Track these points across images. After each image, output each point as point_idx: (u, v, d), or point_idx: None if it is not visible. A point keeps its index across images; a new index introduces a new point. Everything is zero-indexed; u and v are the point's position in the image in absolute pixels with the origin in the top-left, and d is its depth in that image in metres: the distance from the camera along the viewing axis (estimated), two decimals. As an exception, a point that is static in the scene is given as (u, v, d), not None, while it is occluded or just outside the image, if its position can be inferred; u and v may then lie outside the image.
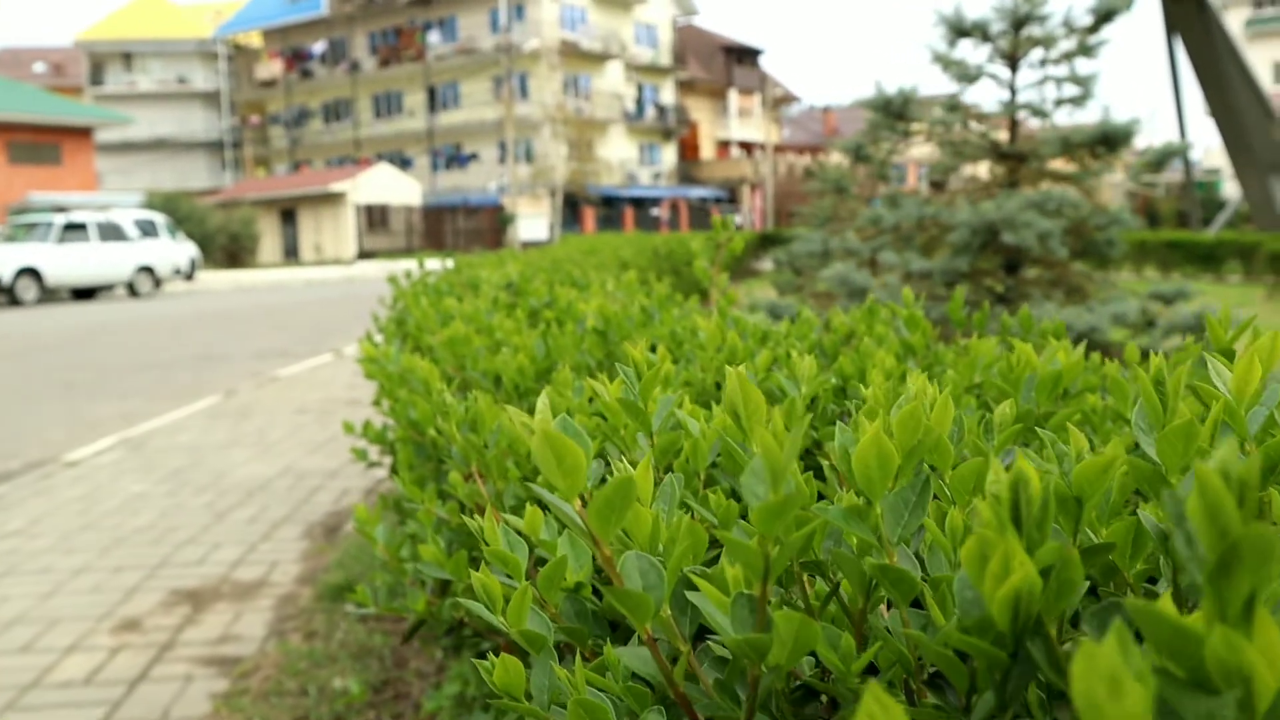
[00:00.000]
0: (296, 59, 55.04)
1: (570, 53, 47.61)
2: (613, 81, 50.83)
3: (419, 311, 1.86)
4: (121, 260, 23.60)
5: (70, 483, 5.64)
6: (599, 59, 49.51)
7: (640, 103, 52.84)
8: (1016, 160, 6.96)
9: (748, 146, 60.57)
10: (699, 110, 58.36)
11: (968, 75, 6.75)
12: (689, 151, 58.03)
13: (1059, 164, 7.15)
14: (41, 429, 7.43)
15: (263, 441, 6.52)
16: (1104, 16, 6.43)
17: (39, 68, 65.00)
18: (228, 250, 38.96)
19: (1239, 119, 25.11)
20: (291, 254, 44.69)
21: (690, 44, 57.40)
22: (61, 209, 25.01)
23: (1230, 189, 48.57)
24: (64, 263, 22.54)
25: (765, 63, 61.45)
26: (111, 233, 23.62)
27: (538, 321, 2.05)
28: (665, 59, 53.51)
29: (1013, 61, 6.79)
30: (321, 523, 4.75)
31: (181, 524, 4.74)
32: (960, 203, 6.72)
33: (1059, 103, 6.83)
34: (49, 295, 22.85)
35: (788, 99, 68.30)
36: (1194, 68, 26.72)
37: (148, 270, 24.20)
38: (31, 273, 21.99)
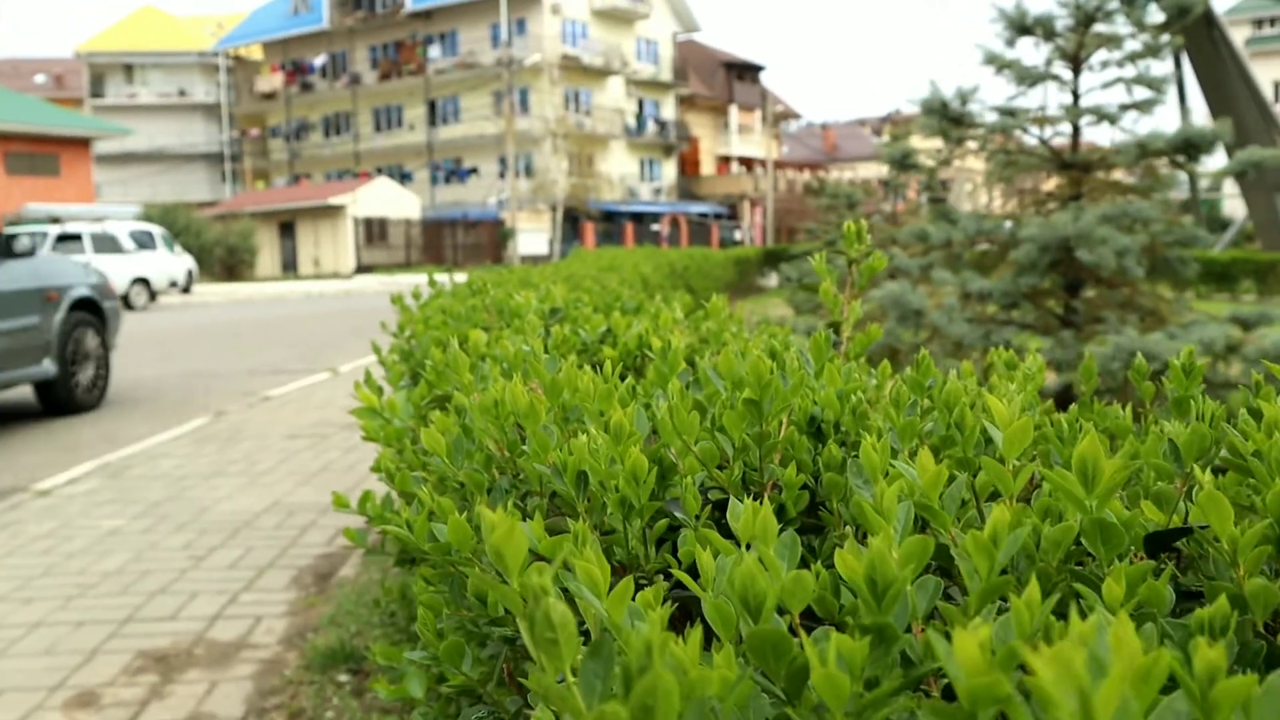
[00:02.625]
0: (297, 72, 54.70)
1: (571, 67, 47.31)
2: (614, 96, 50.54)
3: (439, 354, 1.32)
4: (116, 272, 23.14)
5: (38, 515, 5.14)
6: (600, 74, 49.20)
7: (641, 118, 52.55)
8: (1080, 170, 6.43)
9: (748, 162, 60.36)
10: (700, 126, 58.11)
11: (1028, 76, 6.22)
12: (689, 167, 57.75)
13: (1118, 175, 6.65)
14: (15, 451, 6.93)
15: (251, 470, 6.02)
16: (1178, 12, 5.93)
17: (40, 79, 64.81)
18: (225, 263, 38.49)
19: (1246, 137, 24.77)
20: (290, 267, 44.20)
21: (691, 60, 57.18)
22: (56, 220, 24.55)
23: (1230, 207, 48.32)
24: (56, 274, 22.03)
25: (766, 79, 61.10)
26: (106, 244, 23.19)
27: (592, 361, 1.57)
28: (666, 74, 53.23)
29: (1076, 62, 6.27)
30: (312, 568, 4.26)
31: (155, 568, 4.25)
32: (1026, 217, 6.20)
33: (1124, 107, 6.31)
34: (40, 307, 22.34)
35: (788, 115, 68.17)
36: (1200, 84, 26.39)
37: (143, 282, 23.74)
38: (22, 284, 21.46)
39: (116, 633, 3.56)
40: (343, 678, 3.16)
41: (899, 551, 0.56)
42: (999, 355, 1.41)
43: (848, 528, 0.87)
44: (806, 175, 56.50)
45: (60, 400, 8.04)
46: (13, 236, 7.39)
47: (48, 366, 7.72)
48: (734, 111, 59.10)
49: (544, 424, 0.98)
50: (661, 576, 0.85)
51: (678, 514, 0.89)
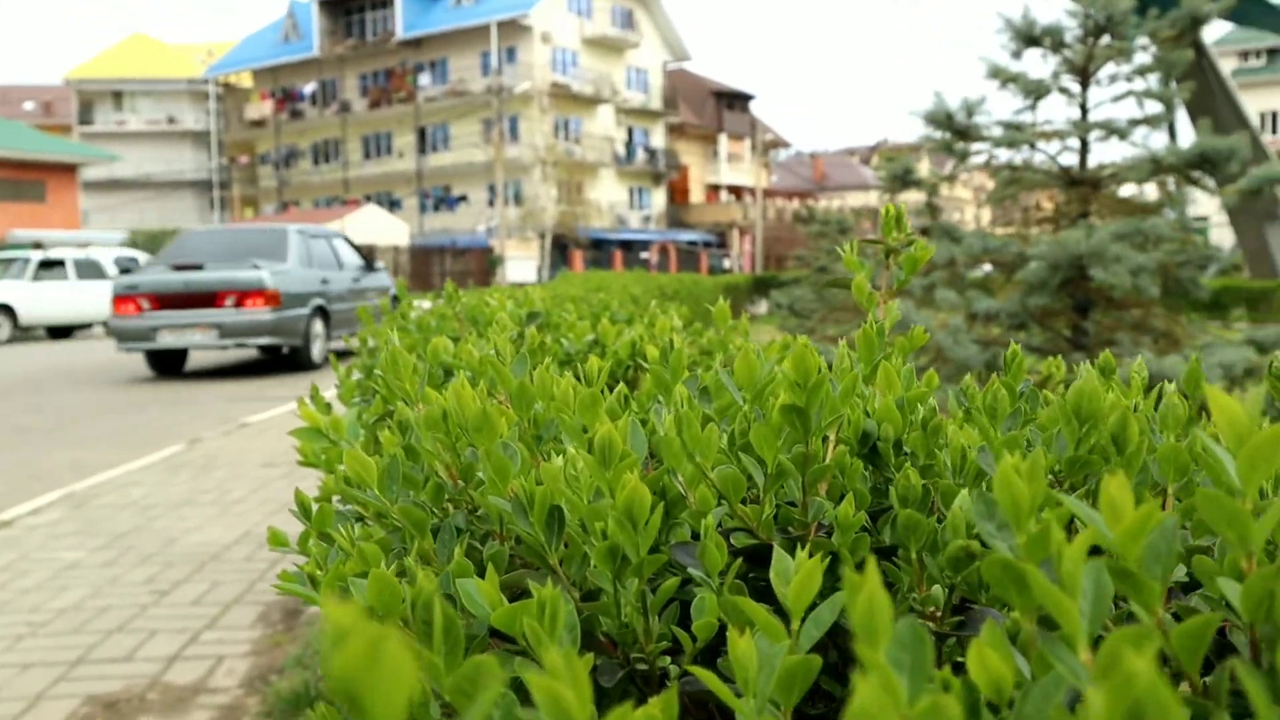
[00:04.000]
0: (286, 99, 54.63)
1: (561, 95, 47.35)
2: (603, 125, 50.58)
3: (390, 366, 1.04)
4: (100, 298, 22.77)
5: (-4, 548, 4.88)
6: (590, 102, 49.25)
7: (630, 146, 52.59)
8: (1089, 187, 6.21)
9: (737, 191, 60.46)
10: (689, 154, 58.19)
11: (1035, 89, 6.01)
12: (679, 195, 57.79)
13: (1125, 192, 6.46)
14: (-20, 481, 6.66)
15: (223, 500, 5.77)
16: (1192, 23, 5.75)
17: (28, 106, 64.65)
18: (211, 290, 38.16)
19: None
20: (277, 294, 43.87)
21: (681, 89, 57.33)
22: (39, 245, 24.27)
23: (1217, 236, 48.52)
24: (39, 300, 21.77)
25: (755, 108, 61.09)
26: (90, 270, 22.87)
27: (572, 372, 1.35)
28: (656, 103, 53.32)
29: (1084, 75, 6.07)
30: (281, 604, 4.00)
31: (114, 604, 3.99)
32: (1034, 236, 5.99)
33: (1134, 122, 6.11)
34: (24, 334, 22.03)
35: (777, 144, 68.37)
36: (1190, 113, 26.42)
37: (126, 309, 23.46)
38: (4, 310, 21.23)
39: (65, 676, 3.30)
40: (307, 726, 2.91)
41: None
42: (1056, 365, 1.20)
43: (935, 588, 0.64)
44: (795, 204, 56.61)
45: None
46: (374, 257, 13.42)
47: None
48: (724, 140, 59.23)
49: (503, 441, 0.74)
50: (668, 658, 0.62)
51: (691, 568, 0.65)
